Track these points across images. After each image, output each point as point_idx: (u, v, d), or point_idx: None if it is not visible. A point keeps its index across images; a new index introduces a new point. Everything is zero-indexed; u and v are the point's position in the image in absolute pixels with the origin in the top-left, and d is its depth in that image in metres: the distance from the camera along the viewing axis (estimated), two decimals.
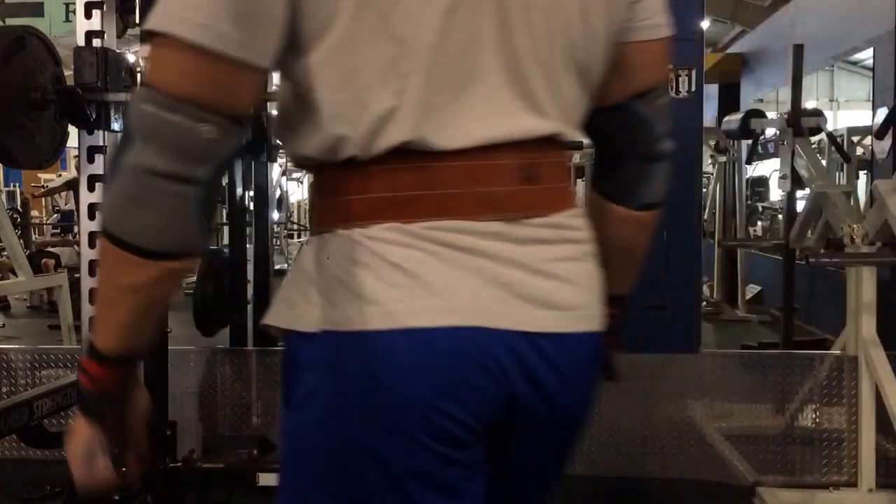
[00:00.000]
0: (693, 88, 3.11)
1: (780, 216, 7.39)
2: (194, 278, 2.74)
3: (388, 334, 0.73)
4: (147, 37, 0.73)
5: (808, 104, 5.18)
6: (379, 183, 0.76)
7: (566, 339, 0.80)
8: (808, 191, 3.55)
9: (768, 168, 9.52)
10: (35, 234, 10.74)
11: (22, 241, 6.49)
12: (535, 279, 0.78)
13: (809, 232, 3.48)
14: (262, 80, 0.77)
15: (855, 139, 7.37)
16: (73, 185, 7.99)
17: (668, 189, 0.97)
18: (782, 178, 3.91)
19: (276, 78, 0.99)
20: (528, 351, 0.77)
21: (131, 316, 0.77)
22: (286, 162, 7.44)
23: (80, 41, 2.23)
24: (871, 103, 5.27)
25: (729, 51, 9.98)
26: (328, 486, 0.77)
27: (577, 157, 10.44)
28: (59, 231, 10.84)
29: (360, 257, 0.75)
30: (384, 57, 0.73)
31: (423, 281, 0.74)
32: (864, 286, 2.81)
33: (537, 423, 0.82)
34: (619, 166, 0.95)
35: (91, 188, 2.29)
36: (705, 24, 3.27)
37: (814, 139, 4.93)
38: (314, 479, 0.78)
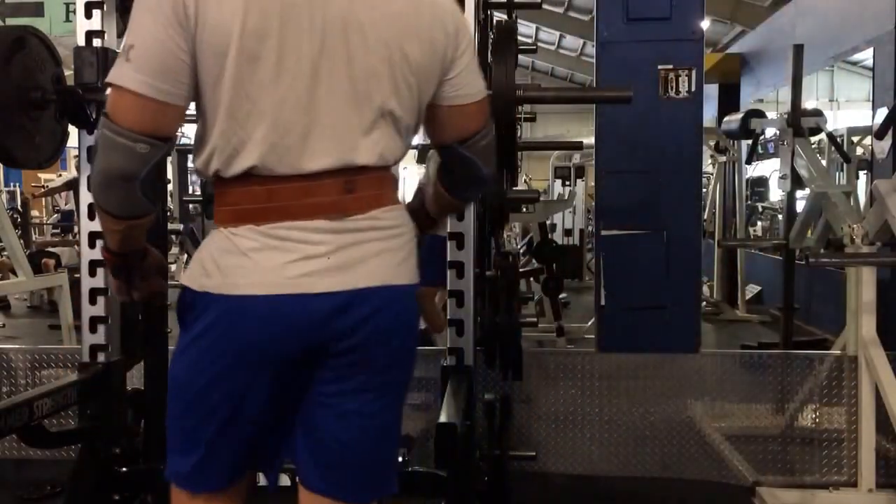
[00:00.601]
0: (693, 88, 3.11)
1: (780, 216, 7.39)
2: None
3: (233, 297, 1.18)
4: (108, 85, 1.16)
5: (808, 104, 5.17)
6: (242, 197, 1.19)
7: (364, 293, 1.20)
8: (808, 191, 3.55)
9: (768, 168, 9.53)
10: (35, 234, 10.73)
11: (22, 241, 6.48)
12: (346, 253, 1.19)
13: (809, 232, 3.48)
14: (180, 113, 1.18)
15: (855, 139, 7.36)
16: (73, 185, 7.99)
17: (479, 191, 1.70)
18: (782, 178, 3.90)
19: None
20: (335, 304, 1.18)
21: (119, 240, 1.29)
22: None
23: (80, 41, 2.22)
24: (871, 103, 5.26)
25: (729, 51, 9.96)
26: (199, 367, 1.23)
27: (576, 157, 10.41)
28: (59, 231, 10.84)
29: (227, 246, 1.19)
30: (243, 110, 1.15)
31: (261, 265, 1.17)
32: (864, 286, 2.81)
33: (348, 352, 1.22)
34: (450, 174, 1.44)
35: (91, 188, 2.29)
36: (705, 24, 3.27)
37: (814, 139, 4.92)
38: (197, 367, 1.23)
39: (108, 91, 1.17)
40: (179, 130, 1.40)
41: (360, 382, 1.24)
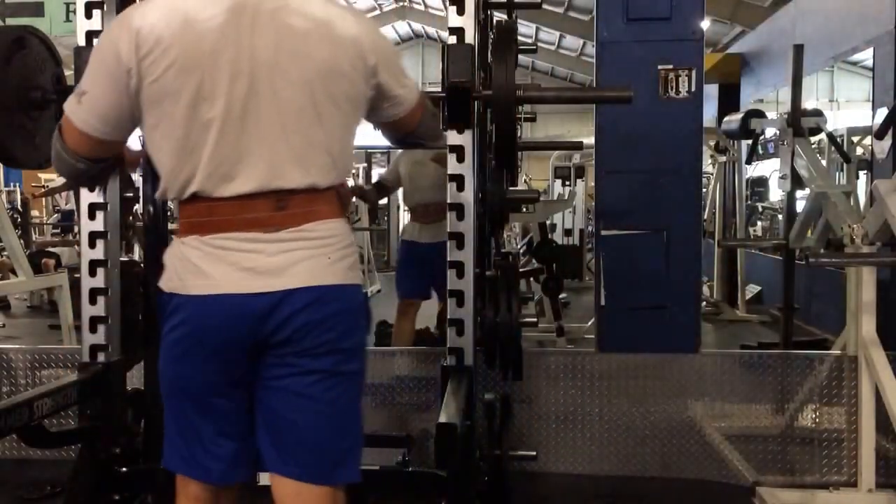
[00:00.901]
0: (693, 88, 3.11)
1: (780, 216, 7.39)
2: None
3: (187, 297, 1.42)
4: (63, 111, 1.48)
5: (808, 104, 5.15)
6: (191, 213, 1.43)
7: (293, 292, 1.39)
8: (808, 191, 3.55)
9: (768, 168, 9.52)
10: (35, 233, 10.73)
11: (22, 241, 6.48)
12: (274, 259, 1.40)
13: (809, 232, 3.48)
14: (117, 145, 1.54)
15: (855, 139, 7.36)
16: (73, 186, 7.97)
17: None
18: (782, 178, 3.90)
19: None
20: (264, 302, 1.38)
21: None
22: None
23: (81, 41, 2.23)
24: (871, 103, 5.26)
25: (729, 51, 9.95)
26: (172, 357, 1.47)
27: (576, 157, 10.39)
28: (59, 231, 10.83)
29: (179, 254, 1.44)
30: (188, 147, 1.38)
31: (203, 270, 1.40)
32: (864, 286, 2.81)
33: (284, 343, 1.41)
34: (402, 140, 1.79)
35: (91, 188, 2.29)
36: (705, 24, 3.26)
37: (814, 139, 4.91)
38: (171, 358, 1.48)
39: (63, 115, 1.47)
40: None
41: (302, 366, 1.42)
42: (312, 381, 1.42)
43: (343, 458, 1.47)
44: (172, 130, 1.38)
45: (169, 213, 2.87)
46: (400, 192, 4.45)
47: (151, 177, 2.36)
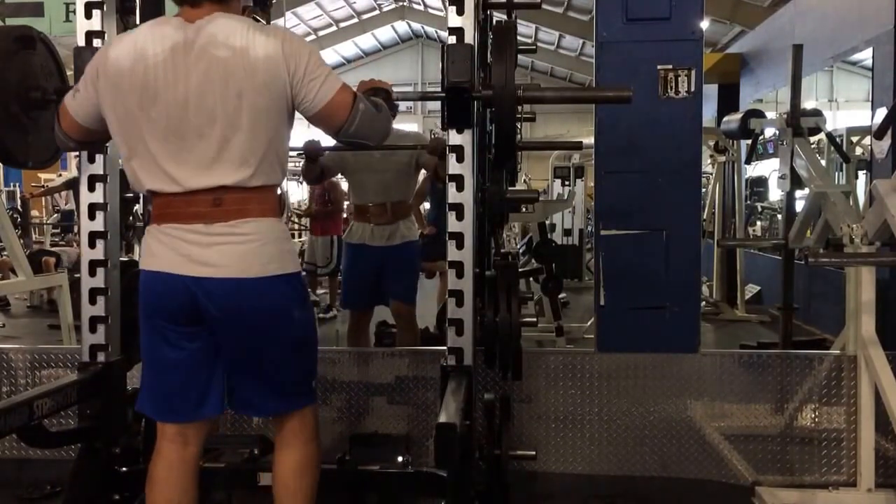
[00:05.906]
0: (693, 88, 3.11)
1: (780, 216, 7.40)
2: None
3: (143, 271, 1.81)
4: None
5: (808, 104, 5.15)
6: (154, 205, 1.80)
7: (217, 280, 1.74)
8: (807, 191, 3.55)
9: (768, 168, 9.53)
10: (35, 233, 10.73)
11: (22, 241, 6.48)
12: (206, 251, 1.74)
13: (809, 232, 3.48)
14: (101, 135, 1.92)
15: (854, 139, 7.37)
16: (72, 185, 7.98)
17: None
18: (781, 178, 3.91)
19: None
20: (194, 285, 1.74)
21: None
22: None
23: (80, 41, 2.23)
24: (870, 103, 5.26)
25: (728, 51, 9.96)
26: (142, 316, 1.85)
27: (576, 157, 10.35)
28: (59, 231, 10.83)
29: (146, 240, 1.82)
30: (134, 154, 1.78)
31: (153, 252, 1.79)
32: (863, 286, 2.81)
33: (214, 320, 1.77)
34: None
35: (91, 188, 2.29)
36: (705, 24, 3.26)
37: (813, 139, 4.92)
38: (141, 317, 1.86)
39: (62, 102, 1.92)
40: None
41: (239, 344, 1.80)
42: (255, 362, 1.82)
43: (298, 394, 1.89)
44: (122, 138, 1.78)
45: None
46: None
47: None
